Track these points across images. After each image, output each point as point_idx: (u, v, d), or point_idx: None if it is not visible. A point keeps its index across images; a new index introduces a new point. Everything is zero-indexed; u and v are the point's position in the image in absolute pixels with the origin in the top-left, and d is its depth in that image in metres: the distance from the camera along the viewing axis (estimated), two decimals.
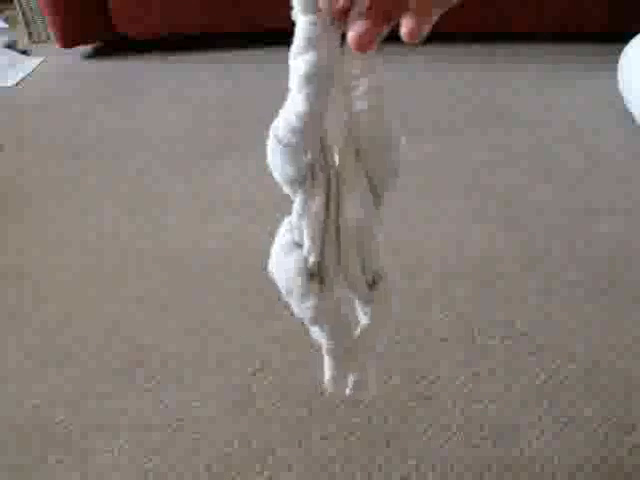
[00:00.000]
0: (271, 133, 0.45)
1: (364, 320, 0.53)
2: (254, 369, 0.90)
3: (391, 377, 0.87)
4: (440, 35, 1.82)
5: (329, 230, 0.48)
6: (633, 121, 1.43)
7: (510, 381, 0.86)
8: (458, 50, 1.92)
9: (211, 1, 1.86)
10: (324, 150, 0.46)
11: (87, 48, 2.12)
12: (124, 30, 1.95)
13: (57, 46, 2.03)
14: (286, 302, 0.50)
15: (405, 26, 0.39)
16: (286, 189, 0.47)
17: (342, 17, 0.41)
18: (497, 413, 0.82)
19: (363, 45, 0.40)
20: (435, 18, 0.41)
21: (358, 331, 0.53)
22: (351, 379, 0.55)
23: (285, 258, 0.49)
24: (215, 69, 1.89)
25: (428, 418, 0.82)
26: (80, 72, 1.99)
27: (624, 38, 1.54)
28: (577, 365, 0.88)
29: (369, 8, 0.40)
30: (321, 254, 0.48)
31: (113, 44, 2.09)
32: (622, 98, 1.49)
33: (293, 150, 0.44)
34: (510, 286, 1.03)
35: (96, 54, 2.09)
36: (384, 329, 0.53)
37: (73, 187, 1.35)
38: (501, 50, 1.89)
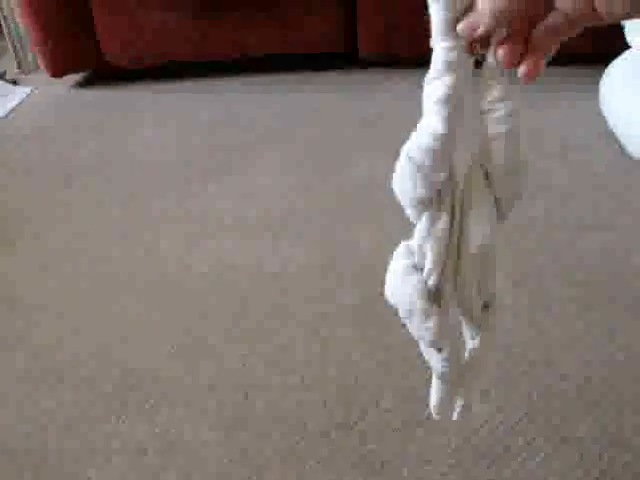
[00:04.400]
0: (403, 155, 0.47)
1: (471, 344, 0.54)
2: (246, 391, 0.90)
3: (383, 397, 0.87)
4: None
5: (450, 253, 0.49)
6: (616, 140, 1.45)
7: (502, 401, 0.86)
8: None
9: (198, 29, 1.88)
10: (451, 173, 0.48)
11: (77, 77, 2.13)
12: (113, 59, 1.96)
13: (46, 75, 2.04)
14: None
15: (526, 67, 0.43)
16: (410, 212, 0.49)
17: (484, 44, 0.44)
18: (490, 434, 0.82)
19: (532, 76, 0.43)
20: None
21: (466, 355, 0.54)
22: (459, 403, 0.56)
23: (404, 281, 0.50)
24: (204, 96, 1.90)
25: (422, 440, 0.82)
26: (70, 101, 2.00)
27: (608, 59, 1.57)
28: (569, 382, 0.88)
29: (509, 35, 0.43)
30: (440, 277, 0.49)
31: (103, 72, 2.11)
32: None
33: (427, 170, 0.46)
34: None
35: (86, 83, 2.10)
36: (492, 353, 0.54)
37: (65, 212, 1.35)
38: None
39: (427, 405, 0.59)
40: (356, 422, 0.84)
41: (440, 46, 0.44)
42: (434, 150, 0.45)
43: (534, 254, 1.13)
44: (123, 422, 0.86)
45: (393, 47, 1.86)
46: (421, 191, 0.46)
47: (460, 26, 0.43)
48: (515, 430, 0.82)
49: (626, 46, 1.58)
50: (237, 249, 1.18)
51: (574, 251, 1.14)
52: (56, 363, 0.96)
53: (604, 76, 1.56)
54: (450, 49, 0.44)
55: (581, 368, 0.90)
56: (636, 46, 1.54)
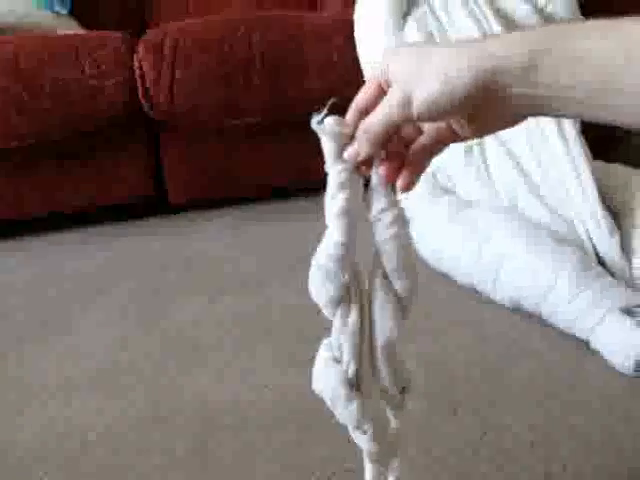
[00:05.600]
0: (313, 263, 0.55)
1: (394, 424, 0.61)
2: None
3: None
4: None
5: (364, 344, 0.57)
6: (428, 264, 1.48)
7: None
8: (255, 208, 1.97)
9: (11, 189, 1.86)
10: (357, 275, 0.56)
11: None
12: None
13: None
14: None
15: (402, 181, 0.55)
16: (326, 311, 0.56)
17: (368, 165, 0.55)
18: None
19: (407, 188, 0.55)
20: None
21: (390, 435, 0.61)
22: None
23: (327, 372, 0.57)
24: (21, 254, 1.84)
25: None
26: None
27: None
28: None
29: (386, 158, 0.55)
30: (358, 366, 0.56)
31: None
32: None
33: (332, 274, 0.54)
34: None
35: None
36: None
37: None
38: None
39: None
40: None
41: (332, 170, 0.55)
42: (336, 256, 0.54)
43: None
44: None
45: (200, 192, 1.95)
46: (330, 292, 0.55)
47: (345, 154, 0.54)
48: None
49: None
50: (63, 413, 1.14)
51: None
52: None
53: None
54: (340, 171, 0.54)
55: None
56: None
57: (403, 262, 0.55)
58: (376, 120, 0.52)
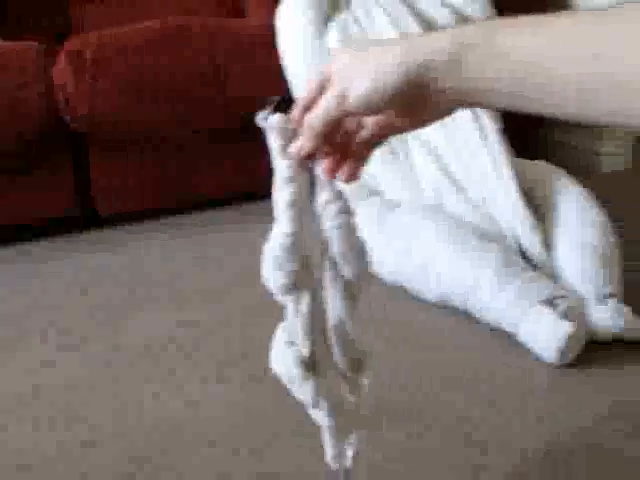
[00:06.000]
0: (266, 252, 0.58)
1: (351, 399, 0.64)
2: None
3: None
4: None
5: (316, 328, 0.60)
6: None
7: None
8: (190, 218, 1.94)
9: None
10: (307, 263, 0.59)
11: None
12: None
13: None
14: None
15: (345, 173, 0.58)
16: (279, 297, 0.59)
17: (312, 158, 0.58)
18: None
19: (351, 179, 0.58)
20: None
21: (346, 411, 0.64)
22: (349, 453, 0.66)
23: (283, 354, 0.61)
24: None
25: None
26: None
27: None
28: None
29: (328, 152, 0.58)
30: (312, 347, 0.60)
31: None
32: None
33: (282, 260, 0.57)
34: None
35: None
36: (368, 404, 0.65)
37: None
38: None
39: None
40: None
41: (279, 165, 0.58)
42: (285, 245, 0.57)
43: None
44: None
45: (129, 204, 1.90)
46: (281, 279, 0.58)
47: (290, 149, 0.58)
48: None
49: None
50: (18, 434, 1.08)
51: None
52: None
53: None
54: (287, 166, 0.58)
55: None
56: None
57: (349, 249, 0.59)
58: (315, 115, 0.56)
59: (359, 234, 0.60)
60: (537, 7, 0.53)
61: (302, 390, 0.61)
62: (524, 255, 1.33)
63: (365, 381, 0.64)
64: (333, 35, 1.69)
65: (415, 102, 0.53)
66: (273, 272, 0.58)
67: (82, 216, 1.90)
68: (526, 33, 0.47)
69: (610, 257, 1.27)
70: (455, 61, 0.49)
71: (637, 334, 1.15)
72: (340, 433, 0.65)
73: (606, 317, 1.15)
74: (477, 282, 1.22)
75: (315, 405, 0.62)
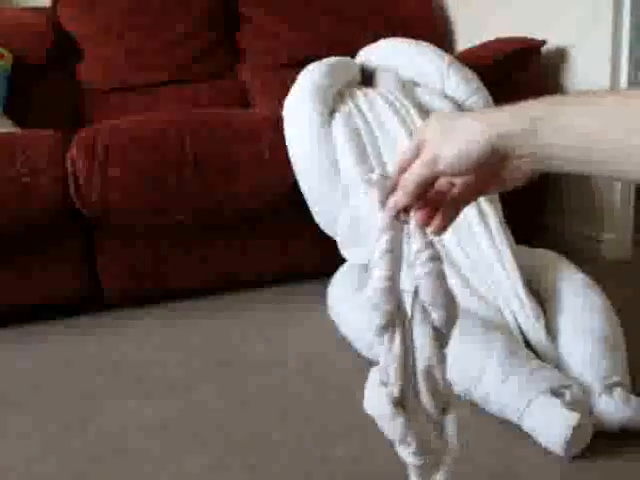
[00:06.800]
0: (365, 295, 0.64)
1: (437, 440, 0.66)
2: None
3: None
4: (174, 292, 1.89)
5: (407, 368, 0.64)
6: (351, 345, 1.53)
7: None
8: (185, 305, 1.93)
9: None
10: (401, 306, 0.64)
11: None
12: None
13: None
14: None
15: (435, 226, 0.66)
16: (375, 339, 0.64)
17: (407, 212, 0.66)
18: None
19: (440, 232, 0.66)
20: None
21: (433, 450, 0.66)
22: None
23: (375, 393, 0.64)
24: None
25: None
26: None
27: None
28: None
29: (424, 206, 0.65)
30: (402, 387, 0.63)
31: None
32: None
33: (378, 301, 0.62)
34: None
35: None
36: (454, 450, 0.67)
37: None
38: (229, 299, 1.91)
39: None
40: None
41: (378, 217, 0.66)
42: (381, 289, 0.63)
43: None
44: None
45: (133, 289, 1.91)
46: (377, 319, 0.63)
47: (388, 203, 0.65)
48: None
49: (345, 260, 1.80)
50: None
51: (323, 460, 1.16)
52: None
53: (329, 288, 1.71)
54: (384, 218, 0.65)
55: None
56: (349, 258, 1.77)
57: (438, 294, 0.63)
58: (409, 175, 0.64)
59: (447, 282, 0.65)
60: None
61: (392, 426, 0.64)
62: (529, 344, 1.33)
63: (451, 422, 0.67)
64: (338, 125, 1.74)
65: (495, 166, 0.61)
66: (370, 313, 0.63)
67: (90, 296, 1.91)
68: (578, 112, 0.56)
69: (615, 342, 1.27)
70: (531, 131, 0.57)
71: None
72: (425, 472, 0.67)
73: (612, 408, 1.14)
74: (481, 372, 1.22)
75: (403, 441, 0.64)
